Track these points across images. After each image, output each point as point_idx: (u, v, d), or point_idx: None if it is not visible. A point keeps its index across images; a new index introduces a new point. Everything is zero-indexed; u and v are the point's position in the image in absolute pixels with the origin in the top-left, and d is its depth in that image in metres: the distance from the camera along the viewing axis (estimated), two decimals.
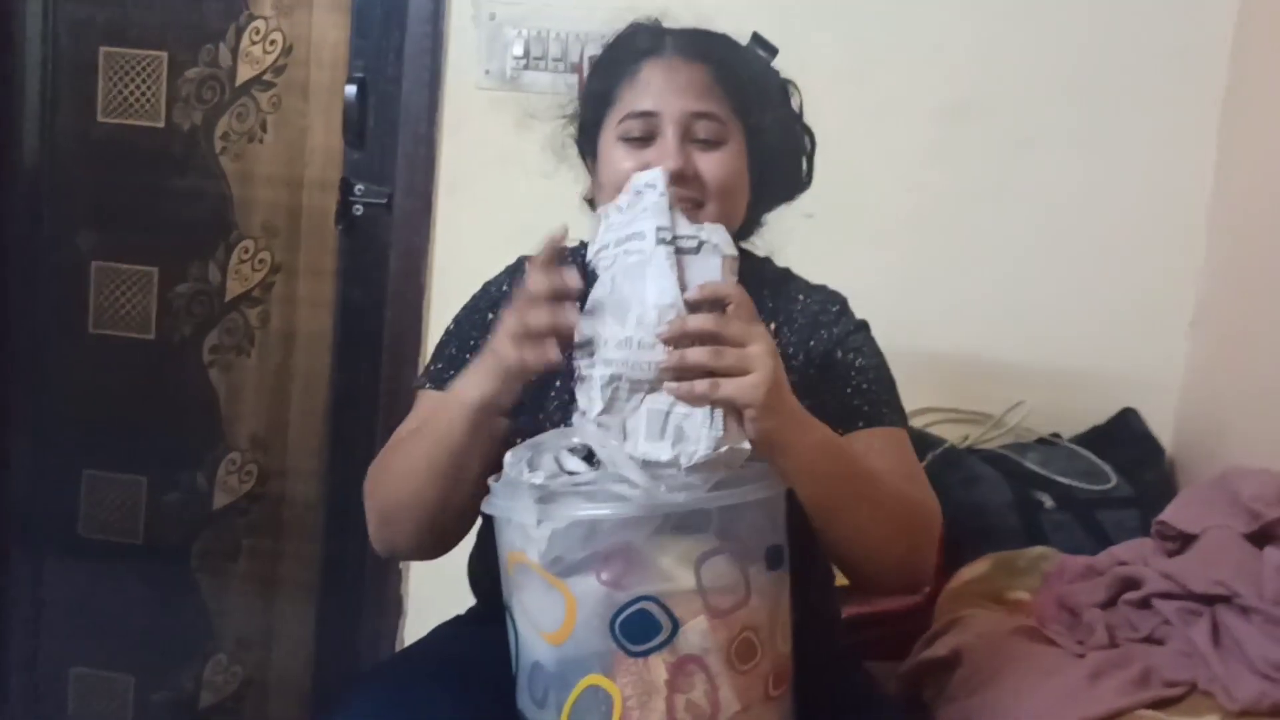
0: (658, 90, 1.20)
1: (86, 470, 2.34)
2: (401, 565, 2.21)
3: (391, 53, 2.14)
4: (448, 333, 1.33)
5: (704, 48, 1.23)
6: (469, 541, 1.36)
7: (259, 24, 2.20)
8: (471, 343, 1.27)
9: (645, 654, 0.96)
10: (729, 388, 0.96)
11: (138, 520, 2.34)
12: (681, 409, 0.98)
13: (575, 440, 1.01)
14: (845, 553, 1.14)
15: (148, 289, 2.29)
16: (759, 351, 0.97)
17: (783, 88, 1.31)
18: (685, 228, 1.04)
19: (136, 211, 2.28)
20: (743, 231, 1.30)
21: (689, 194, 1.17)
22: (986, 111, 1.98)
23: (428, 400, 1.27)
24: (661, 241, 1.01)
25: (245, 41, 2.21)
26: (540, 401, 1.20)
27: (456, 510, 1.16)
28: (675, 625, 0.96)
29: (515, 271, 1.34)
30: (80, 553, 2.36)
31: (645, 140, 1.20)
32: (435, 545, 1.22)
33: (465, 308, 1.34)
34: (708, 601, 0.96)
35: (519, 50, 2.05)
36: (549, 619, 0.99)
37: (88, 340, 2.31)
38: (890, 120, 1.99)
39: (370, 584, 2.25)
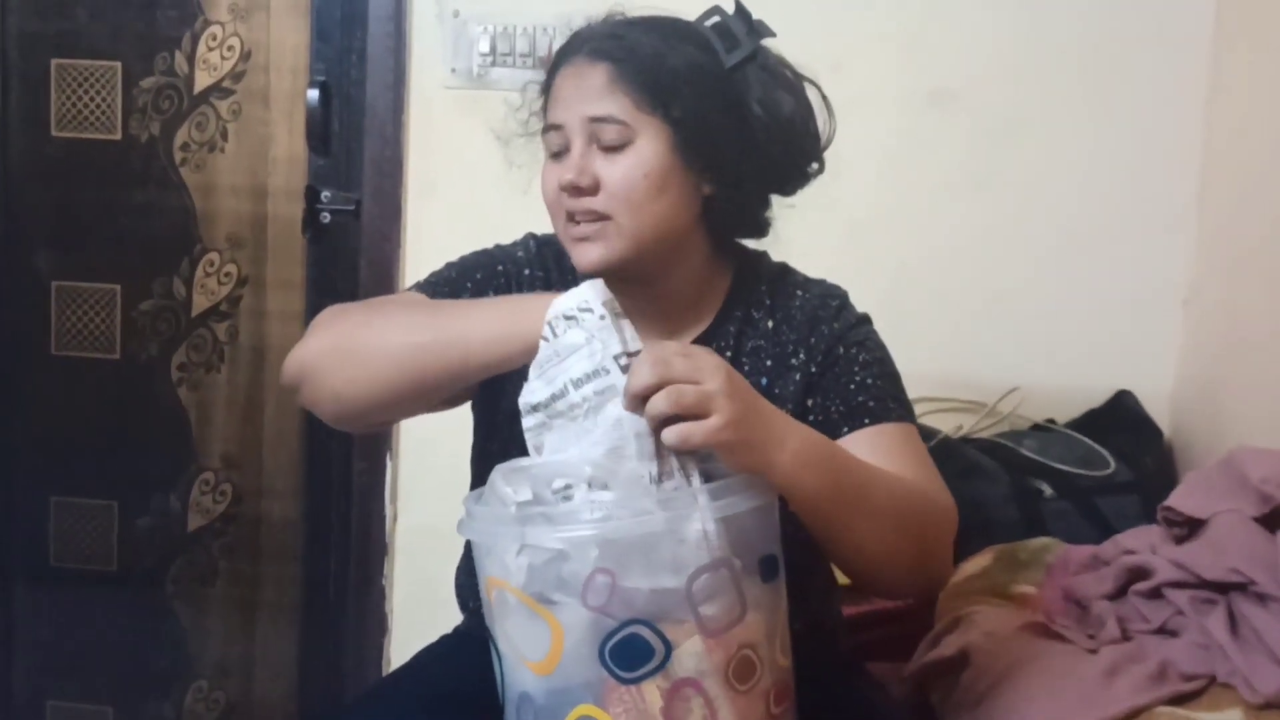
0: (564, 99, 1.15)
1: (54, 497, 2.28)
2: (385, 580, 2.15)
3: (354, 55, 2.08)
4: (449, 265, 1.27)
5: (610, 44, 1.15)
6: (455, 556, 1.32)
7: (215, 30, 2.14)
8: (478, 276, 1.24)
9: (638, 680, 0.91)
10: (696, 436, 0.91)
11: (110, 546, 2.28)
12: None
13: (561, 479, 0.96)
14: (851, 563, 1.10)
15: (111, 307, 2.23)
16: (714, 389, 0.92)
17: (722, 71, 1.17)
18: (628, 332, 0.97)
19: (96, 228, 2.21)
20: (729, 229, 1.23)
21: (589, 205, 1.12)
22: (970, 96, 1.94)
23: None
24: (627, 369, 0.94)
25: (202, 48, 2.14)
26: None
27: (431, 401, 1.14)
28: (668, 648, 0.91)
29: (535, 250, 1.27)
30: (52, 582, 2.29)
31: (561, 155, 1.15)
32: (388, 419, 1.20)
33: (474, 254, 1.28)
34: (701, 621, 0.91)
35: (485, 47, 2.00)
36: (534, 648, 0.93)
37: (50, 362, 2.25)
38: (871, 107, 1.94)
39: (353, 602, 2.19)
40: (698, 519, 0.91)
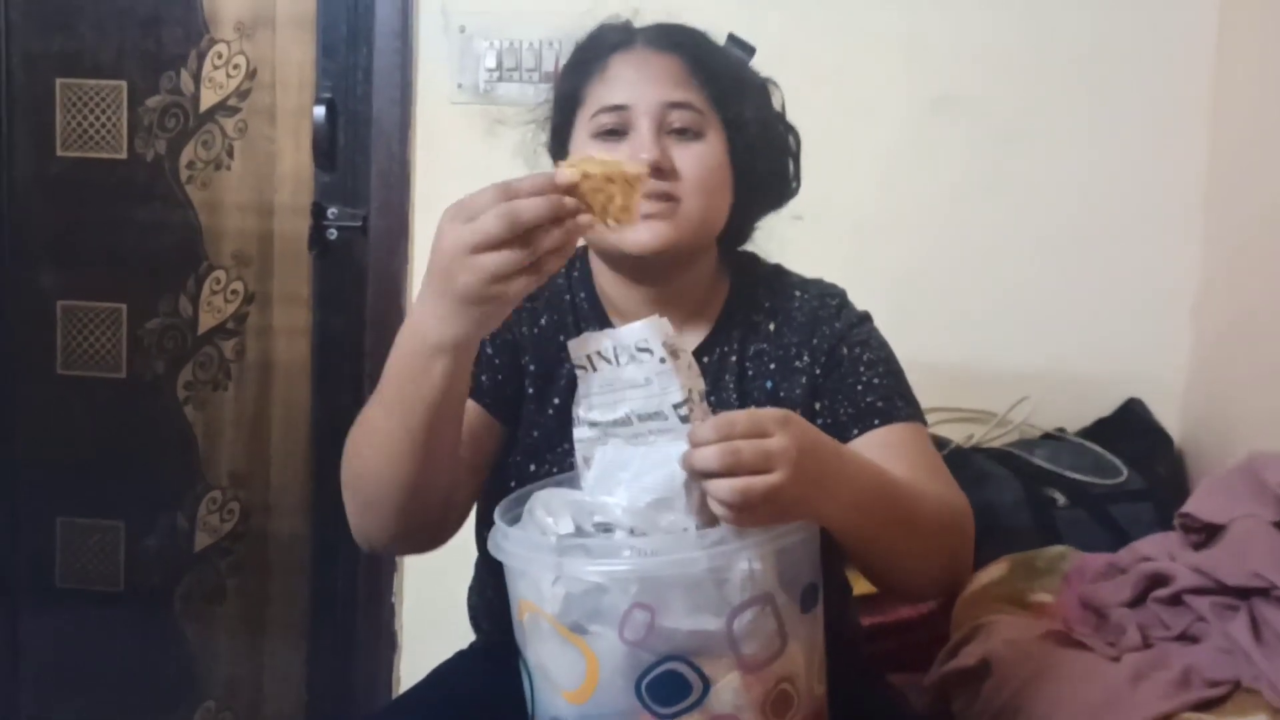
0: (629, 82, 1.15)
1: (61, 517, 2.27)
2: (394, 597, 2.14)
3: (360, 71, 2.08)
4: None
5: (675, 38, 1.18)
6: (466, 573, 1.31)
7: (221, 48, 2.14)
8: None
9: (674, 716, 0.89)
10: (756, 491, 0.86)
11: (117, 566, 2.27)
12: None
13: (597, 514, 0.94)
14: (884, 576, 1.10)
15: (116, 326, 2.22)
16: (775, 446, 0.87)
17: (763, 86, 1.25)
18: (685, 374, 0.93)
19: (101, 247, 2.21)
20: (733, 239, 1.25)
21: (664, 188, 1.12)
22: (974, 103, 1.95)
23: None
24: (686, 420, 0.91)
25: (207, 66, 2.14)
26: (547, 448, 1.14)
27: (439, 493, 1.06)
28: (706, 685, 0.89)
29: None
30: (58, 603, 2.28)
31: (618, 134, 1.14)
32: (419, 534, 1.10)
33: None
34: (741, 656, 0.89)
35: (491, 62, 2.00)
36: (568, 676, 0.92)
37: (56, 382, 2.24)
38: (875, 114, 1.96)
39: (362, 619, 2.18)
40: (744, 557, 0.89)
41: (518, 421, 1.20)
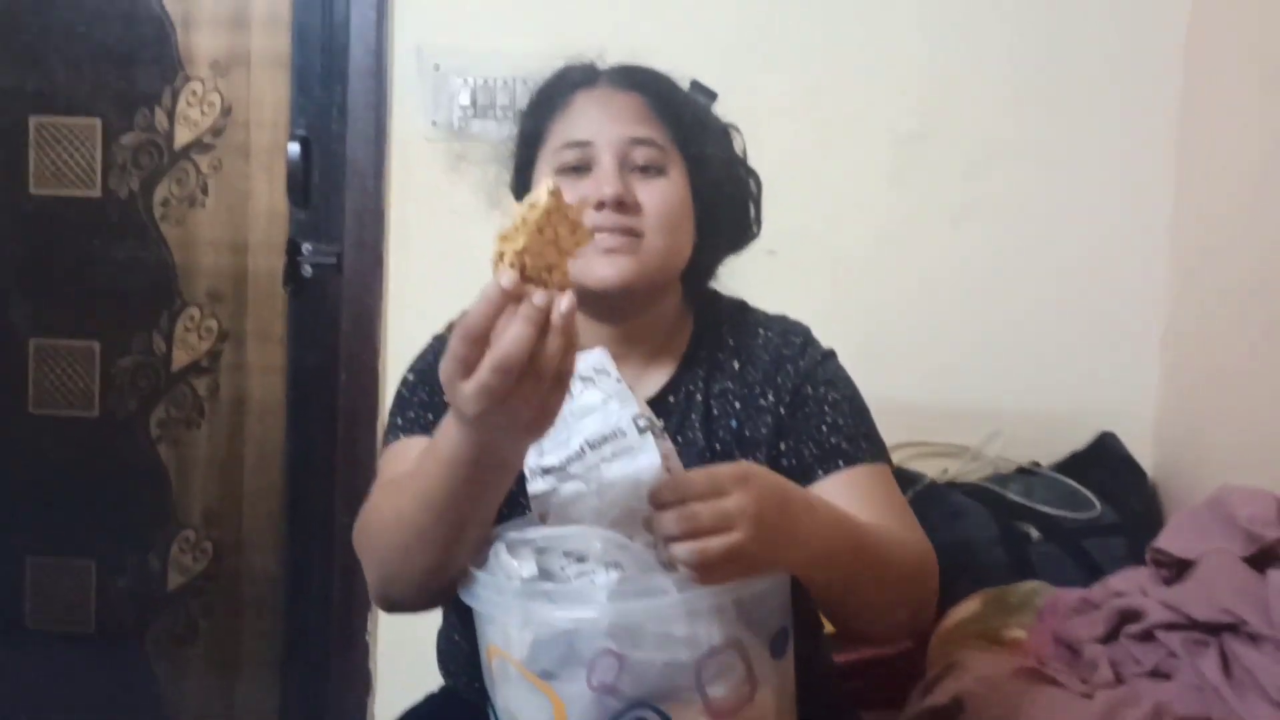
0: (592, 118, 1.16)
1: (31, 557, 2.24)
2: (369, 637, 2.12)
3: (334, 108, 2.08)
4: (408, 384, 1.23)
5: (638, 78, 1.20)
6: (437, 616, 1.29)
7: (195, 85, 2.14)
8: (422, 396, 1.20)
9: None
10: (713, 551, 0.85)
11: (88, 607, 2.24)
12: None
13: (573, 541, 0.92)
14: (849, 620, 1.09)
15: (89, 364, 2.21)
16: (733, 506, 0.86)
17: (724, 130, 1.26)
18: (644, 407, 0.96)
19: (74, 284, 2.20)
20: (695, 278, 1.25)
21: (627, 223, 1.12)
22: (940, 136, 1.97)
23: (408, 447, 1.15)
24: (644, 431, 0.93)
25: (182, 104, 2.14)
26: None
27: (466, 557, 1.03)
28: None
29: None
30: (28, 644, 2.25)
31: (581, 170, 1.15)
32: (441, 595, 1.07)
33: (421, 358, 1.25)
34: (710, 704, 0.89)
35: (466, 99, 2.01)
36: None
37: (27, 421, 2.22)
38: (844, 147, 1.97)
39: (336, 659, 2.15)
40: (710, 595, 0.89)
41: None
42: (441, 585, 1.02)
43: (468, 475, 0.90)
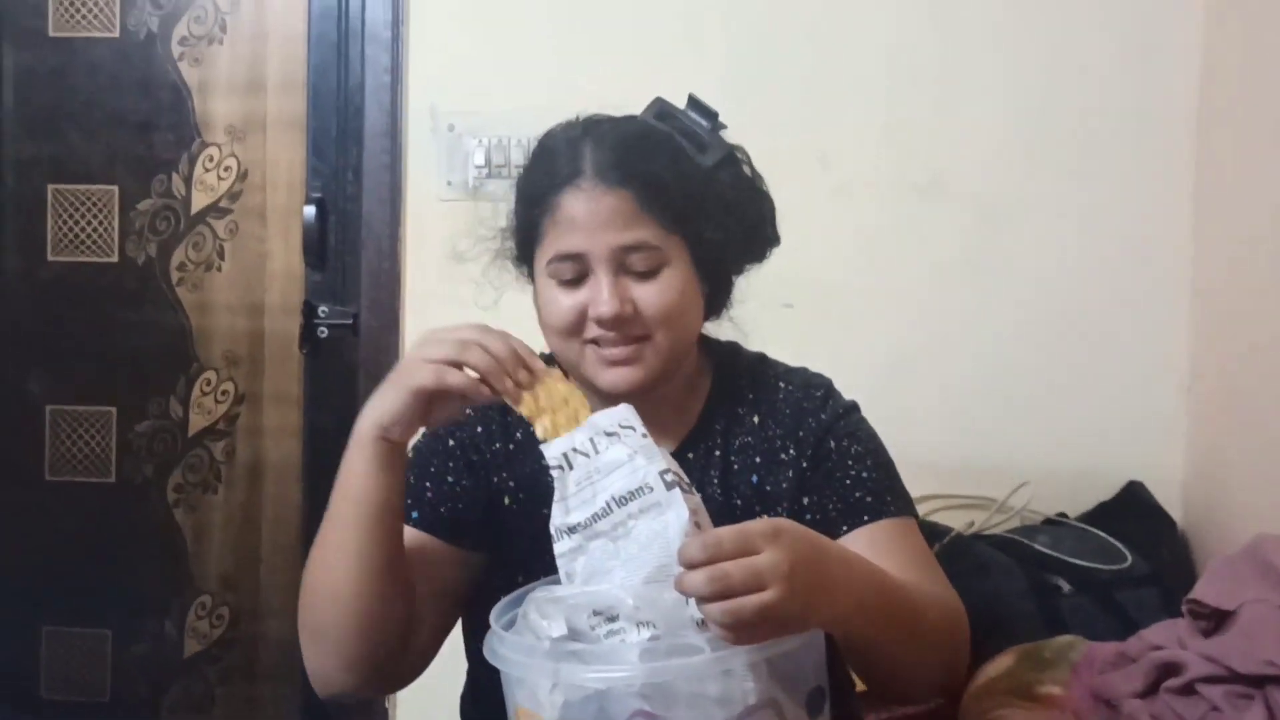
0: (582, 228, 1.10)
1: (47, 626, 2.23)
2: (388, 705, 2.08)
3: (350, 171, 2.10)
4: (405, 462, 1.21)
5: (625, 170, 1.11)
6: (459, 679, 1.27)
7: (212, 151, 2.16)
8: (432, 469, 1.19)
9: None
10: (747, 611, 0.84)
11: (104, 676, 2.22)
12: None
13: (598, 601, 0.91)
14: (882, 678, 1.07)
15: (106, 430, 2.20)
16: (768, 561, 0.84)
17: (726, 157, 1.18)
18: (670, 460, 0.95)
19: (91, 350, 2.21)
20: (711, 310, 1.22)
21: (630, 332, 1.10)
22: (958, 185, 1.96)
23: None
24: (672, 486, 0.91)
25: (199, 169, 2.16)
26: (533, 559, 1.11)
27: (392, 621, 1.07)
28: None
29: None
30: (42, 714, 2.23)
31: (578, 281, 1.11)
32: (374, 668, 1.09)
33: (424, 435, 1.22)
34: None
35: (480, 160, 2.02)
36: None
37: (44, 488, 2.22)
38: (859, 198, 1.98)
39: None
40: (744, 654, 0.86)
41: (495, 543, 1.18)
42: (371, 646, 1.06)
43: (359, 455, 1.04)
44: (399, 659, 1.11)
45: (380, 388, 1.04)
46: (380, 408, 1.03)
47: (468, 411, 1.18)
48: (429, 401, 1.02)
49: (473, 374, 1.00)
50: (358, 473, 1.05)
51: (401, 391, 1.02)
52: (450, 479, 1.18)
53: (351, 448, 1.05)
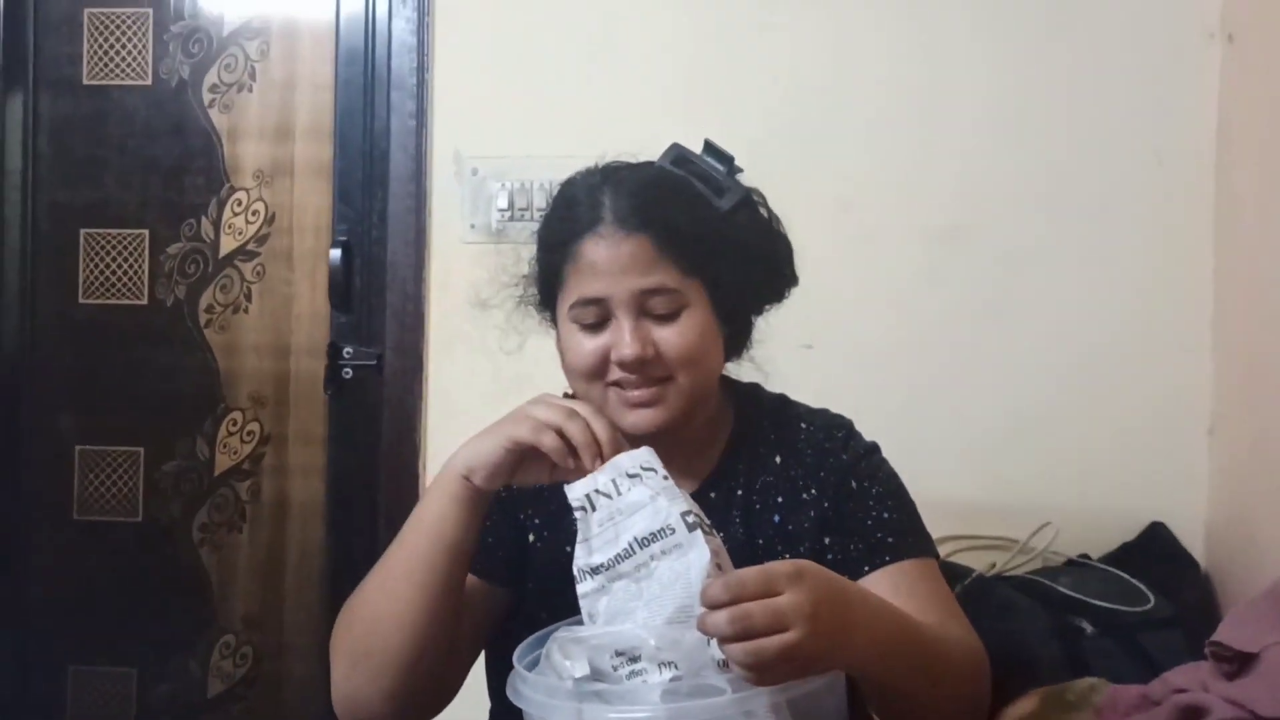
0: (603, 273, 1.12)
1: (72, 665, 2.24)
2: None
3: (375, 214, 2.13)
4: None
5: (644, 215, 1.12)
6: (481, 718, 1.28)
7: (240, 195, 2.20)
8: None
9: None
10: (769, 651, 0.85)
11: (129, 715, 2.23)
12: None
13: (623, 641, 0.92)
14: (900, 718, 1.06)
15: (134, 470, 2.23)
16: (790, 602, 0.86)
17: (743, 201, 1.20)
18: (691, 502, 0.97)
19: (120, 391, 2.23)
20: (731, 350, 1.23)
21: (652, 374, 1.12)
22: (981, 232, 1.98)
23: None
24: (694, 528, 0.93)
25: (227, 213, 2.20)
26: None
27: (437, 652, 1.08)
28: None
29: None
30: None
31: (600, 325, 1.13)
32: (408, 702, 1.09)
33: None
34: None
35: (503, 203, 2.05)
36: None
37: (72, 527, 2.24)
38: (881, 243, 1.98)
39: None
40: (766, 695, 0.87)
41: (521, 579, 1.19)
42: (411, 677, 1.07)
43: (444, 494, 1.06)
44: (431, 692, 1.12)
45: (481, 432, 1.06)
46: (474, 449, 1.06)
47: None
48: (520, 457, 1.04)
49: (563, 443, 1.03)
50: (434, 508, 1.07)
51: (499, 439, 1.04)
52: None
53: (435, 482, 1.08)
